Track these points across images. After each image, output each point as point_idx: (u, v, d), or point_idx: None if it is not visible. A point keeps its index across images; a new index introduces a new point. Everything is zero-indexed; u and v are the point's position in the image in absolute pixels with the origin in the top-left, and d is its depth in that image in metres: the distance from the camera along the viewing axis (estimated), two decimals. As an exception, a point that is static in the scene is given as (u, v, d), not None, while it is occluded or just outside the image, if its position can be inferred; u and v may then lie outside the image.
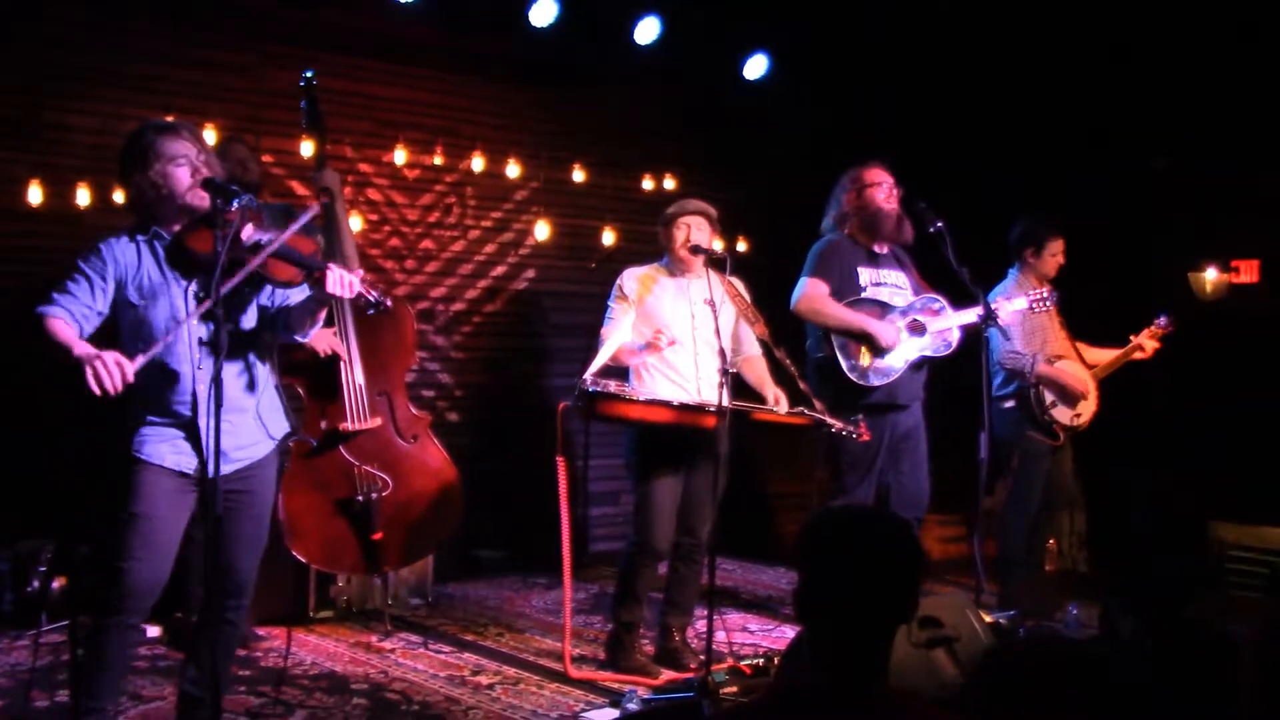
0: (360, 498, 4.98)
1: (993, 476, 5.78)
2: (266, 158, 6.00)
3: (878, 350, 5.09)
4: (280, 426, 3.74)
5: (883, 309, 5.18)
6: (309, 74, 4.99)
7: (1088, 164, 6.86)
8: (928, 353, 5.19)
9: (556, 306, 7.22)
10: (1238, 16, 6.13)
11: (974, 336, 5.19)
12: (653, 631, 5.10)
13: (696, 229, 4.87)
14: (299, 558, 5.05)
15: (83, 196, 5.59)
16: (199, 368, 3.45)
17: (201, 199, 3.41)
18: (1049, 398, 5.65)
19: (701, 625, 4.79)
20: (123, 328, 3.51)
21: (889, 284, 5.26)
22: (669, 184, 7.39)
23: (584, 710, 4.37)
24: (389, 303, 3.74)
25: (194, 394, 3.45)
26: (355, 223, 6.23)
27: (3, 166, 5.52)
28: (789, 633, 5.46)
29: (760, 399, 4.89)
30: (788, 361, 4.73)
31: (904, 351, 5.14)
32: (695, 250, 4.80)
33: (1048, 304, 5.44)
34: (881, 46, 7.12)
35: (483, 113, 6.91)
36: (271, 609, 5.24)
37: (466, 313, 6.95)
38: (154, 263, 3.49)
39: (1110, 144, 6.81)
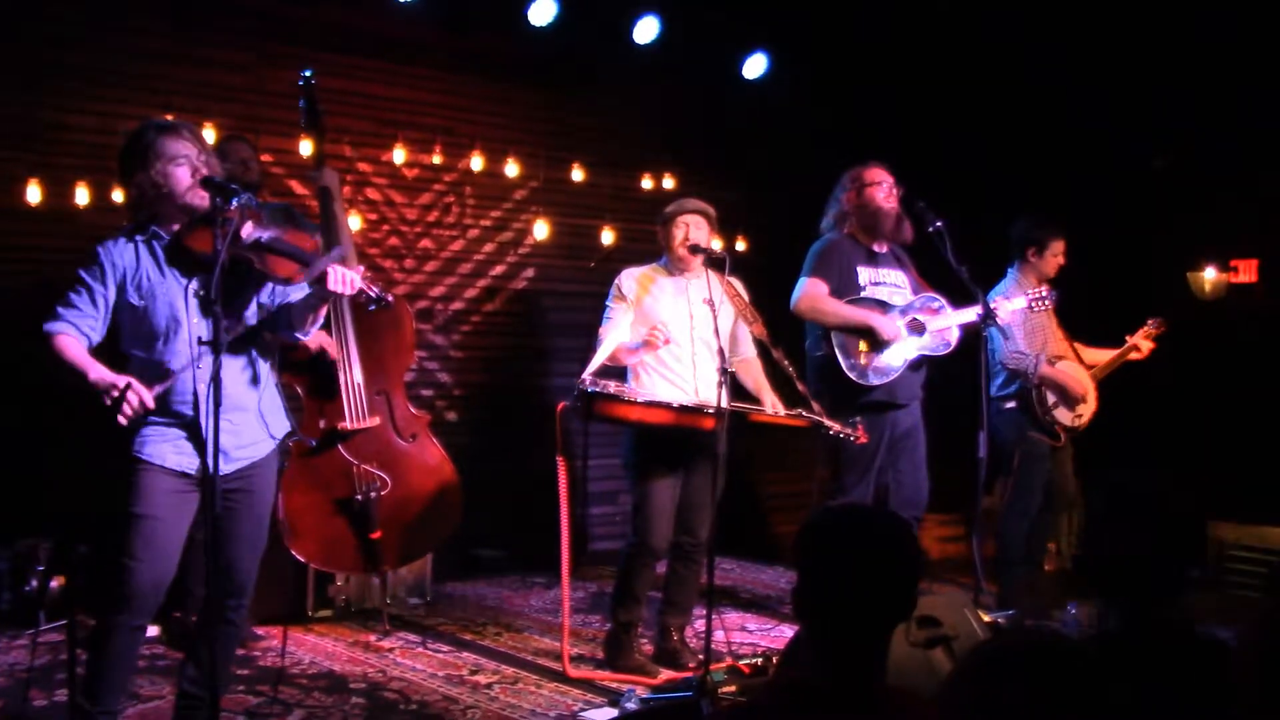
0: (359, 497, 4.98)
1: (992, 476, 5.79)
2: (266, 157, 5.99)
3: (879, 344, 5.09)
4: (281, 425, 3.74)
5: (882, 308, 5.18)
6: (307, 73, 4.99)
7: (1087, 164, 6.86)
8: (927, 352, 5.19)
9: (555, 306, 7.22)
10: (1237, 16, 6.13)
11: (973, 336, 5.19)
12: (651, 631, 5.10)
13: (695, 228, 4.87)
14: (298, 557, 5.04)
15: (82, 196, 5.58)
16: (199, 367, 3.45)
17: (201, 198, 3.41)
18: (1051, 398, 5.65)
19: (700, 625, 4.79)
20: (123, 327, 3.51)
21: (888, 283, 5.26)
22: (668, 183, 7.39)
23: (582, 710, 4.37)
24: (390, 298, 3.74)
25: (195, 393, 3.45)
26: (354, 222, 6.23)
27: (2, 166, 5.52)
28: (787, 632, 5.46)
29: (756, 403, 4.89)
30: (785, 362, 4.72)
31: (903, 350, 5.14)
32: (694, 250, 4.80)
33: (1046, 303, 5.45)
34: (881, 46, 7.12)
35: (482, 112, 6.91)
36: (270, 608, 5.24)
37: (465, 312, 6.95)
38: (153, 262, 3.49)
39: (1110, 144, 6.81)
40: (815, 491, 5.94)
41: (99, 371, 3.35)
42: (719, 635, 4.77)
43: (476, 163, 6.82)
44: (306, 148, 5.96)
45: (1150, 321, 5.88)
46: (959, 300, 5.19)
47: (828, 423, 4.72)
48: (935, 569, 6.73)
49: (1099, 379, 5.83)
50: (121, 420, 3.31)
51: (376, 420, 5.07)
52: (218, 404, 3.16)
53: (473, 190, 6.93)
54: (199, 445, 3.45)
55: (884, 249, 5.32)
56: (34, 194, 5.51)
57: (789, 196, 6.92)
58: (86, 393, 3.34)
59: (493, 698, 4.51)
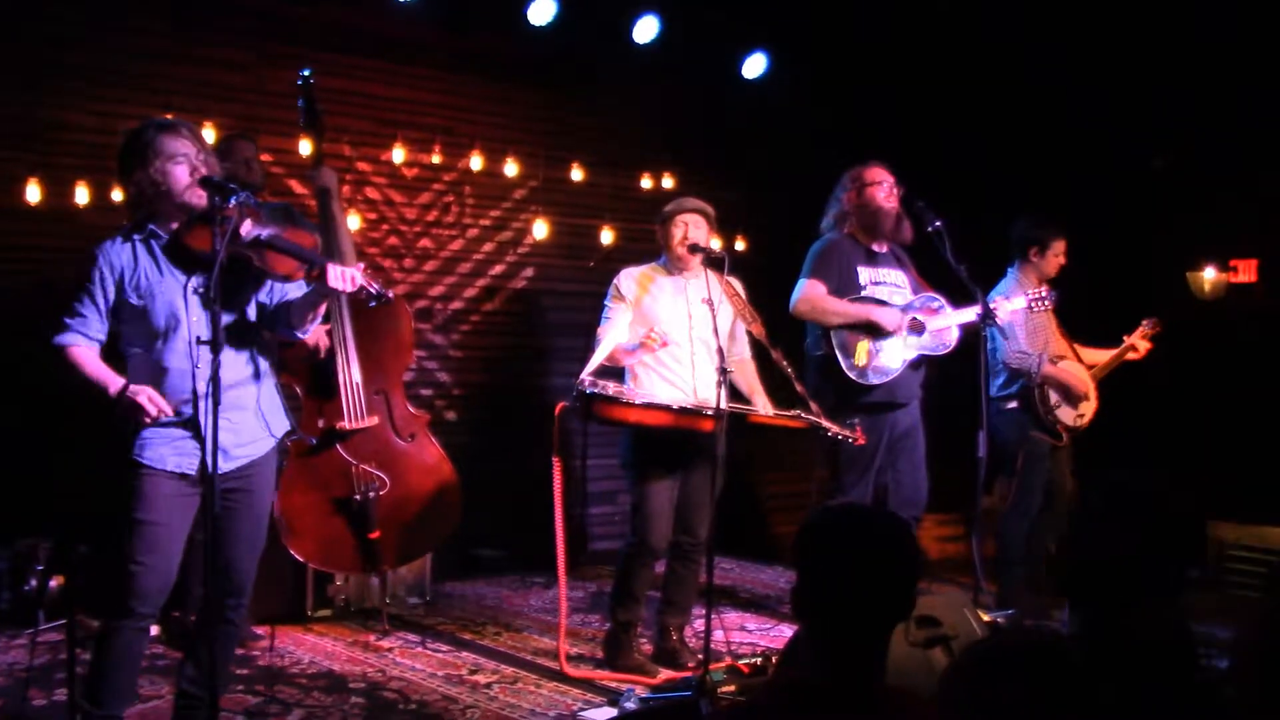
0: (358, 496, 4.97)
1: (991, 476, 5.79)
2: (265, 156, 5.97)
3: (882, 335, 5.09)
4: (280, 424, 3.74)
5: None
6: (306, 72, 4.99)
7: (1087, 164, 6.86)
8: (926, 351, 5.19)
9: (555, 305, 7.22)
10: (1237, 16, 6.13)
11: (973, 336, 5.19)
12: (651, 631, 5.10)
13: (694, 227, 4.86)
14: (296, 557, 5.04)
15: (82, 195, 5.58)
16: (198, 365, 3.45)
17: (199, 197, 3.41)
18: (1053, 398, 5.65)
19: (699, 624, 4.79)
20: (122, 327, 3.51)
21: (888, 283, 5.26)
22: (667, 183, 7.39)
23: (582, 709, 4.37)
24: (390, 294, 3.74)
25: (194, 391, 3.45)
26: (353, 221, 6.23)
27: (2, 165, 5.52)
28: (787, 631, 5.46)
29: (749, 404, 4.88)
30: (784, 363, 4.72)
31: (903, 350, 5.14)
32: (694, 249, 4.79)
33: (1046, 303, 5.45)
34: (881, 46, 7.11)
35: (481, 111, 6.90)
36: (270, 608, 5.23)
37: (465, 311, 6.95)
38: (151, 261, 3.49)
39: (1110, 144, 6.81)
40: (814, 491, 5.94)
41: (119, 384, 3.38)
42: (718, 635, 4.77)
43: (476, 162, 6.82)
44: (306, 147, 5.96)
45: (1146, 321, 5.90)
46: (958, 300, 5.19)
47: (826, 424, 4.72)
48: (934, 569, 6.73)
49: (1098, 379, 5.84)
50: (149, 419, 3.35)
51: (375, 420, 5.07)
52: (216, 403, 3.17)
53: (472, 190, 6.93)
54: (199, 444, 3.45)
55: (884, 249, 5.32)
56: (33, 193, 5.51)
57: (788, 196, 6.92)
58: (98, 400, 3.36)
59: (492, 697, 4.51)
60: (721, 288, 4.80)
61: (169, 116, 4.75)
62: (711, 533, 4.66)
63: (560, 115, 7.18)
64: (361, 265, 3.67)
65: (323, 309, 3.72)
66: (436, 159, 6.73)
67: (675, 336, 4.76)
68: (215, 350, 3.18)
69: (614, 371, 4.81)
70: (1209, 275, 6.89)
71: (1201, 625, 2.38)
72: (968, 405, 5.03)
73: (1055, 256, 5.75)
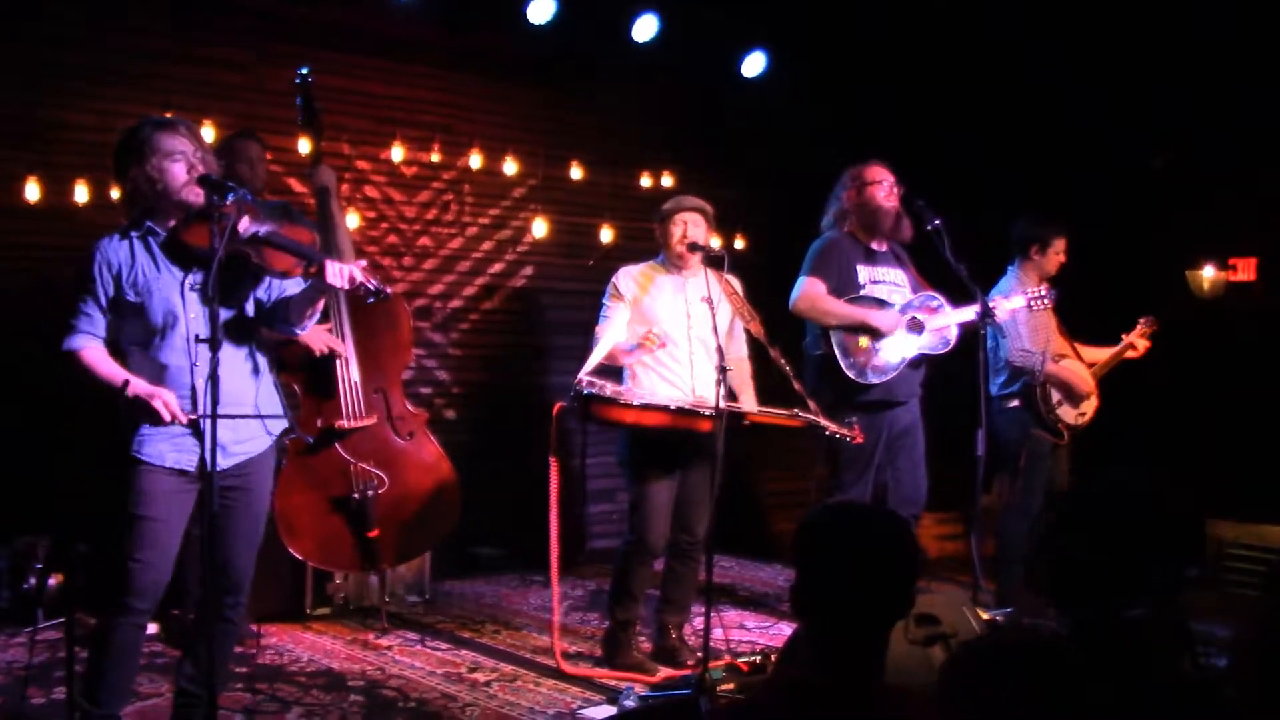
0: (356, 495, 4.97)
1: (990, 474, 5.78)
2: (265, 155, 5.99)
3: (877, 336, 5.09)
4: (278, 421, 3.73)
5: (881, 307, 5.18)
6: (304, 71, 4.98)
7: (1086, 163, 6.86)
8: (925, 350, 5.19)
9: (554, 304, 7.22)
10: (1237, 16, 6.13)
11: (972, 334, 5.19)
12: (650, 629, 5.10)
13: (693, 225, 4.86)
14: (295, 555, 5.04)
15: (81, 194, 5.58)
16: (196, 363, 3.45)
17: (197, 195, 3.41)
18: (1055, 396, 5.66)
19: (699, 622, 4.79)
20: (121, 324, 3.51)
21: (887, 281, 5.26)
22: (667, 181, 7.38)
23: (581, 707, 4.37)
24: (388, 290, 3.74)
25: (193, 389, 3.44)
26: (352, 220, 6.23)
27: (2, 164, 5.51)
28: (786, 629, 5.46)
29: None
30: (782, 361, 4.72)
31: (902, 349, 5.14)
32: (693, 247, 4.79)
33: (1045, 302, 5.45)
34: (880, 45, 7.11)
35: (480, 110, 6.90)
36: (269, 606, 5.24)
37: (464, 310, 6.95)
38: (148, 259, 3.49)
39: (1109, 143, 6.81)
40: (814, 489, 5.94)
41: (135, 385, 3.38)
42: (717, 633, 4.77)
43: (475, 161, 6.82)
44: (305, 146, 5.96)
45: (1143, 320, 5.92)
46: (958, 298, 5.19)
47: (824, 423, 4.72)
48: (934, 567, 6.73)
49: (1098, 377, 5.85)
50: (167, 416, 3.35)
51: (374, 418, 5.07)
52: (215, 401, 3.16)
53: (471, 188, 6.92)
54: (197, 440, 3.45)
55: (883, 247, 5.32)
56: (33, 192, 5.50)
57: (788, 195, 6.92)
58: (110, 399, 3.36)
59: (491, 695, 4.51)
60: (720, 286, 4.80)
61: (168, 115, 4.75)
62: (710, 531, 4.66)
63: (559, 114, 7.18)
64: (363, 263, 3.67)
65: (320, 305, 3.72)
66: (436, 157, 6.73)
67: (674, 336, 4.75)
68: (214, 348, 3.18)
69: (612, 370, 4.81)
70: (1208, 274, 6.89)
71: (1201, 624, 2.38)
72: (967, 404, 5.03)
73: (1056, 254, 5.76)
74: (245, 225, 3.45)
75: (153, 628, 4.96)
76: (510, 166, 6.90)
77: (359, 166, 6.52)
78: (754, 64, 7.23)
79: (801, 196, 5.83)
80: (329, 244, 4.71)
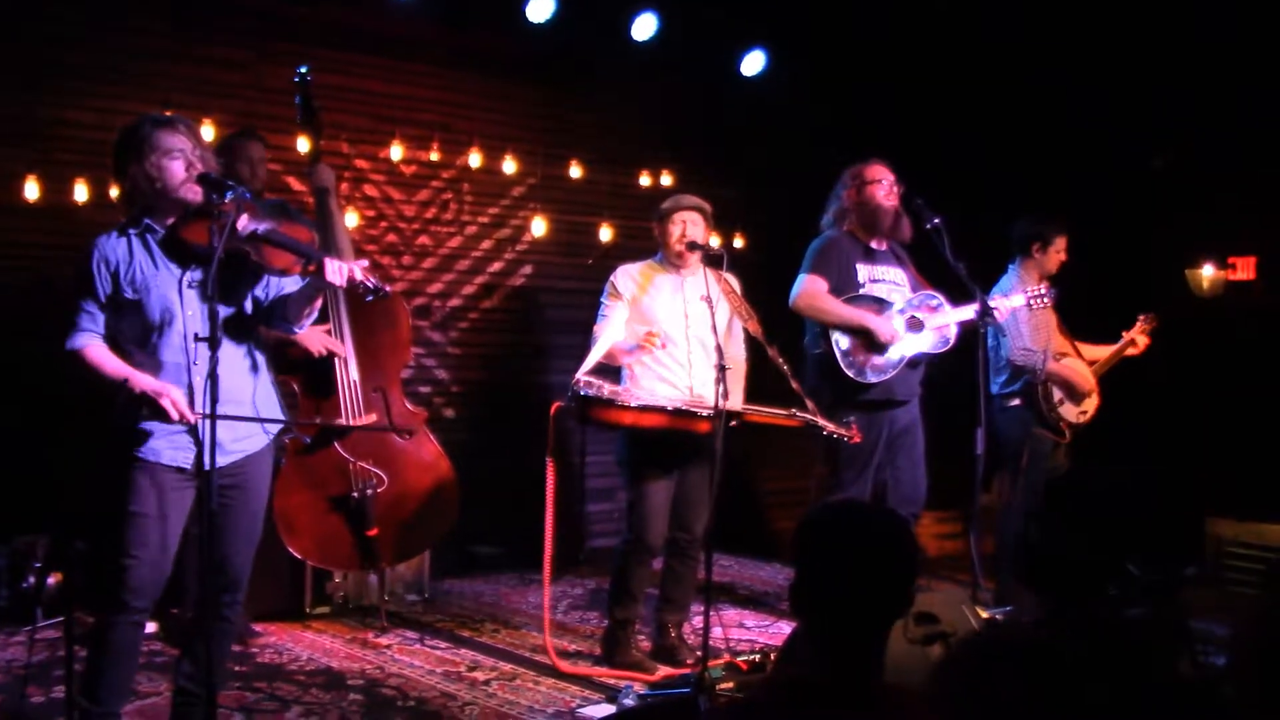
0: (355, 494, 4.97)
1: (990, 473, 5.78)
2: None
3: (876, 346, 5.09)
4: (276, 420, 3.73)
5: (880, 305, 5.18)
6: (303, 69, 4.98)
7: (1086, 162, 6.86)
8: (925, 349, 5.19)
9: (553, 303, 7.22)
10: (1237, 16, 6.13)
11: (972, 333, 5.19)
12: (649, 628, 5.10)
13: (692, 224, 4.86)
14: (295, 554, 5.04)
15: (81, 193, 5.58)
16: (195, 361, 3.45)
17: (195, 193, 3.41)
18: (1057, 395, 5.66)
19: (698, 621, 4.78)
20: (119, 322, 3.51)
21: (887, 280, 5.25)
22: (666, 180, 7.38)
23: (580, 706, 4.37)
24: (388, 288, 3.73)
25: (190, 387, 3.44)
26: (351, 219, 6.22)
27: (1, 163, 5.51)
28: (785, 628, 5.46)
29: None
30: (780, 360, 4.71)
31: (901, 348, 5.14)
32: (692, 246, 4.78)
33: (1045, 301, 5.45)
34: (880, 44, 7.11)
35: (480, 108, 6.90)
36: (268, 605, 5.24)
37: (463, 309, 6.95)
38: (146, 256, 3.49)
39: (1109, 143, 6.81)
40: (813, 488, 5.94)
41: (141, 381, 3.39)
42: (717, 632, 4.77)
43: (474, 159, 6.82)
44: (304, 145, 5.96)
45: (1143, 317, 5.94)
46: (957, 297, 5.19)
47: (822, 422, 4.71)
48: (933, 566, 6.73)
49: (1099, 375, 5.86)
50: (175, 415, 3.37)
51: (373, 417, 5.07)
52: (214, 400, 3.16)
53: (470, 187, 6.92)
54: (195, 438, 3.45)
55: (883, 246, 5.31)
56: (32, 191, 5.50)
57: (787, 194, 6.92)
58: (110, 395, 3.36)
59: (490, 694, 4.51)
60: (719, 285, 4.80)
61: (167, 113, 4.75)
62: (709, 529, 4.66)
63: (559, 112, 7.18)
64: (364, 262, 3.67)
65: (319, 303, 3.72)
66: (435, 156, 6.73)
67: (672, 335, 4.75)
68: (213, 346, 3.18)
69: (611, 370, 4.80)
70: (1208, 273, 6.90)
71: (1200, 622, 2.38)
72: (966, 403, 5.03)
73: (1057, 253, 5.77)
74: (244, 223, 3.45)
75: (151, 626, 4.97)
76: (509, 165, 6.90)
77: (358, 165, 6.51)
78: (753, 63, 7.23)
79: (801, 195, 5.83)
80: (328, 242, 4.71)
